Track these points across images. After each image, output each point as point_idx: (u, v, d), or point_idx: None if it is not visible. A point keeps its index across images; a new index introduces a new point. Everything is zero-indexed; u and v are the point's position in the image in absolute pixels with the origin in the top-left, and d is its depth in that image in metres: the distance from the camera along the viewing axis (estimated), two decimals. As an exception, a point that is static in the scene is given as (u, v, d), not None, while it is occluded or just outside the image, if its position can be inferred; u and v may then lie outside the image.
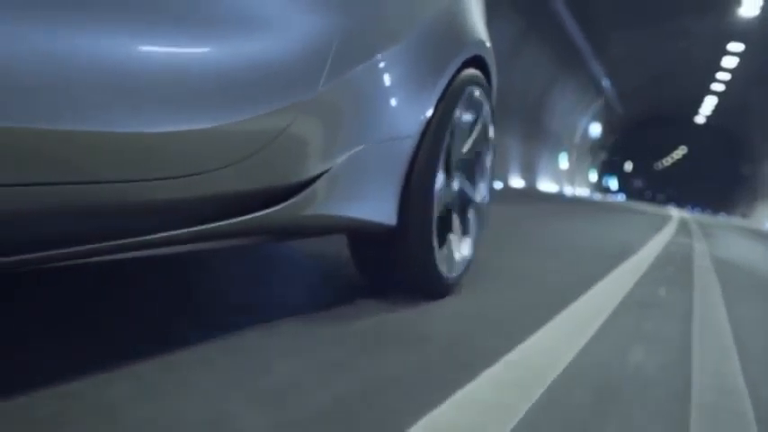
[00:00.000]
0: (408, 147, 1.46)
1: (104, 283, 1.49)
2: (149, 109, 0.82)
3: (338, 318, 1.39)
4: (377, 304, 1.55)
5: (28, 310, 1.23)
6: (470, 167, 1.87)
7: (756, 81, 26.50)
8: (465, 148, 1.78)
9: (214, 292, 1.57)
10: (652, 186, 54.00)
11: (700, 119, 43.57)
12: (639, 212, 13.39)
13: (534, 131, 23.28)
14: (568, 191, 29.88)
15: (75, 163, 0.75)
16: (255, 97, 1.00)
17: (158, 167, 0.86)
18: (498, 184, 14.96)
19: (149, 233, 0.89)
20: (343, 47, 1.20)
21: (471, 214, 1.87)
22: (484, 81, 1.84)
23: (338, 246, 1.84)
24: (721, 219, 24.30)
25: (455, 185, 1.74)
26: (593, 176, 43.99)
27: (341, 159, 1.24)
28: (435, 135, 1.53)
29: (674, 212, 17.52)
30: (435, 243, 1.56)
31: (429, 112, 1.51)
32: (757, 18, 19.89)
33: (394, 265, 1.59)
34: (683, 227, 9.10)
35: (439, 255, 1.60)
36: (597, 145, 38.68)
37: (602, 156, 44.56)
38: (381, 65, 1.35)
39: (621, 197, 42.06)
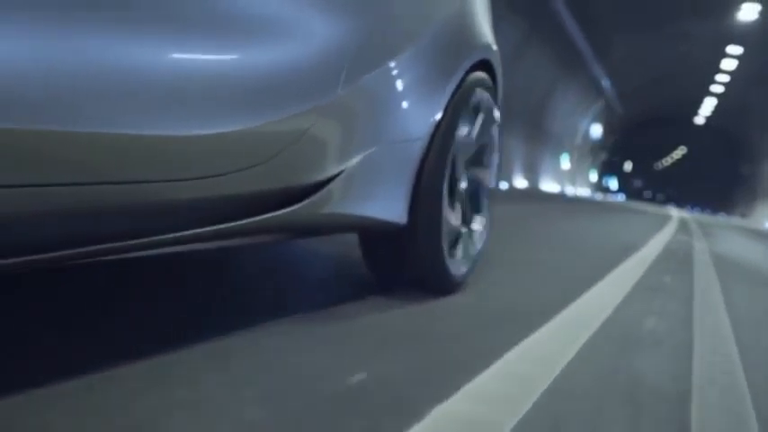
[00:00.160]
0: (419, 148, 1.51)
1: (137, 281, 1.57)
2: (182, 114, 0.86)
3: (353, 315, 1.45)
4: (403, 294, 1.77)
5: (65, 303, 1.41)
6: (478, 167, 1.92)
7: (755, 82, 26.78)
8: (472, 149, 1.83)
9: (243, 291, 1.83)
10: (652, 186, 54.06)
11: (699, 119, 43.71)
12: (640, 212, 13.57)
13: (537, 133, 23.62)
14: (570, 191, 30.25)
15: (112, 164, 0.78)
16: (280, 101, 1.05)
17: (188, 168, 0.90)
18: (504, 185, 15.28)
19: (176, 231, 0.92)
20: (359, 53, 1.26)
21: (478, 213, 1.93)
22: (490, 83, 1.88)
23: (343, 246, 1.95)
24: (721, 218, 24.55)
25: (463, 185, 1.79)
26: (594, 177, 44.28)
27: (356, 160, 1.28)
28: (444, 137, 1.57)
29: (674, 212, 17.71)
30: (444, 241, 1.61)
31: (439, 115, 1.56)
32: (756, 22, 20.29)
33: (403, 262, 1.65)
34: (683, 226, 9.36)
35: (447, 252, 1.64)
36: (598, 146, 38.93)
37: (603, 156, 44.77)
38: (395, 70, 1.40)
39: (621, 197, 42.05)
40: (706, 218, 20.21)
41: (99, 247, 0.81)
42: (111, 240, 0.82)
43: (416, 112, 1.48)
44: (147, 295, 1.45)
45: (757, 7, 19.08)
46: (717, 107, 37.53)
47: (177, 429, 0.79)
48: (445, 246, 1.62)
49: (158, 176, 0.85)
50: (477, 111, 1.80)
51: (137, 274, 1.60)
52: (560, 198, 17.56)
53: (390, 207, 1.46)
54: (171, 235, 0.91)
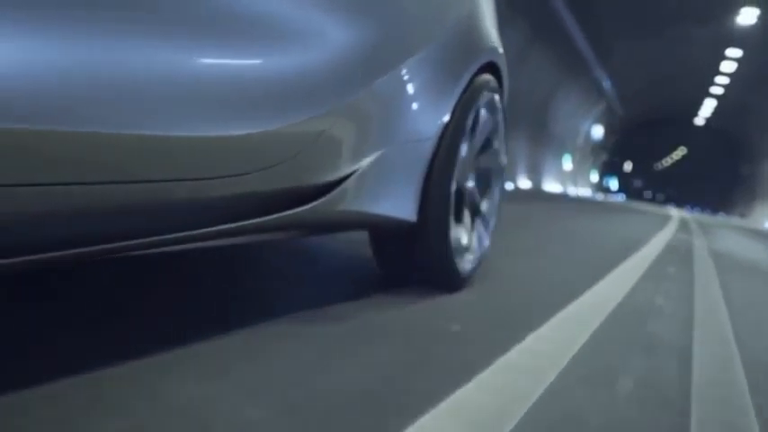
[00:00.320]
0: (428, 148, 1.55)
1: (137, 281, 1.53)
2: (212, 116, 0.90)
3: (367, 308, 1.48)
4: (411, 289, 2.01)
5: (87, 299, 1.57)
6: (484, 167, 1.97)
7: (754, 84, 27.06)
8: (479, 150, 1.89)
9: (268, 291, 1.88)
10: (652, 186, 54.12)
11: (699, 120, 43.89)
12: (640, 212, 13.73)
13: (540, 135, 23.93)
14: (572, 191, 30.58)
15: (146, 164, 0.81)
16: (301, 104, 1.09)
17: (215, 167, 0.93)
18: (509, 185, 15.55)
19: (198, 228, 0.95)
20: (375, 56, 1.31)
21: (485, 211, 1.98)
22: (497, 86, 1.91)
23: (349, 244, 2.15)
24: (720, 218, 24.89)
25: (470, 184, 1.82)
26: (595, 177, 44.54)
27: (369, 160, 1.32)
28: (452, 137, 1.61)
29: (674, 212, 17.96)
30: (451, 238, 1.65)
31: (447, 116, 1.60)
32: (755, 26, 20.67)
33: (412, 259, 1.69)
34: (683, 226, 9.64)
35: (455, 249, 1.68)
36: (599, 146, 39.17)
37: (603, 157, 44.97)
38: (407, 73, 1.44)
39: (621, 197, 42.08)
40: (706, 218, 20.53)
41: (114, 245, 0.83)
42: (126, 239, 0.84)
43: (426, 114, 1.52)
44: (147, 295, 1.42)
45: (756, 11, 19.48)
46: (716, 108, 37.74)
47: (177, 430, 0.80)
48: (453, 242, 1.67)
49: (188, 175, 0.88)
50: (484, 112, 1.84)
51: (137, 273, 1.56)
52: (563, 198, 17.83)
53: (401, 205, 1.50)
54: (196, 231, 0.95)
